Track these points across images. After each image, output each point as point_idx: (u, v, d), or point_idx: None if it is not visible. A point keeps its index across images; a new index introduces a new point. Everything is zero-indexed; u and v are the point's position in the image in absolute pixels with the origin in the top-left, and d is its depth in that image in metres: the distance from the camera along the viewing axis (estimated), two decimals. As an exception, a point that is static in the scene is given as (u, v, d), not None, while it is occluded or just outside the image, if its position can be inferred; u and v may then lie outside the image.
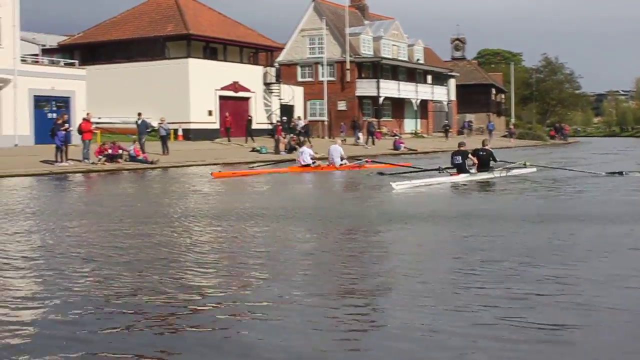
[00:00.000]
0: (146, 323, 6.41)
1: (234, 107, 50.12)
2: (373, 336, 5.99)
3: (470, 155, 22.25)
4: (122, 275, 8.47)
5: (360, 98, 62.39)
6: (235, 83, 51.13)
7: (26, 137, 37.26)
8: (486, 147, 23.08)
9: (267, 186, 22.21)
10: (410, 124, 69.65)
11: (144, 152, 33.02)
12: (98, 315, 6.71)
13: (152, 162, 31.82)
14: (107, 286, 7.93)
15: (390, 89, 64.18)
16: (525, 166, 24.20)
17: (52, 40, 54.69)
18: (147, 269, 8.88)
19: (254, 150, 40.91)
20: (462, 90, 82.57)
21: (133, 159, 32.08)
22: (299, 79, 62.44)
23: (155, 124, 39.30)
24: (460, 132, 74.01)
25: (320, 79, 59.96)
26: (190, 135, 46.04)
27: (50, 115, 37.74)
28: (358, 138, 50.49)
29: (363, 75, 63.04)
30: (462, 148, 22.40)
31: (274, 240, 11.13)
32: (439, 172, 22.56)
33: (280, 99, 55.37)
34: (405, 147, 48.65)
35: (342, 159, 29.03)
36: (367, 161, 29.83)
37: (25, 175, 26.54)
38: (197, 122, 47.11)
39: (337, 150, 29.29)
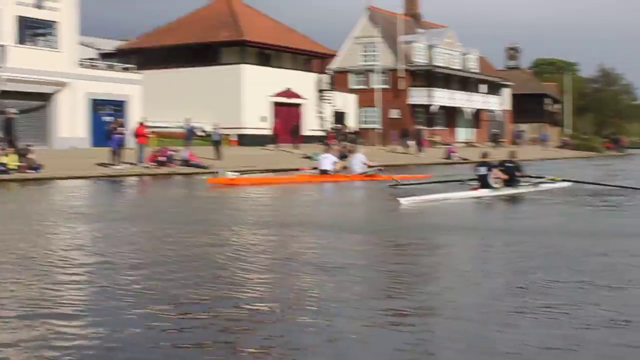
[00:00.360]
0: (195, 339, 6.37)
1: (286, 113, 50.37)
2: None
3: (495, 170, 20.36)
4: (170, 284, 8.51)
5: (413, 106, 62.18)
6: (288, 89, 51.36)
7: (83, 139, 37.89)
8: (514, 159, 21.30)
9: (294, 195, 22.17)
10: (463, 133, 69.21)
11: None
12: (147, 327, 6.71)
13: (205, 167, 32.07)
14: (155, 295, 7.96)
15: (443, 97, 63.88)
16: (554, 181, 21.96)
17: (110, 45, 55.52)
18: (195, 277, 8.90)
19: (306, 157, 40.97)
20: (517, 99, 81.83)
21: (186, 163, 32.36)
22: (352, 87, 62.42)
23: (209, 129, 39.69)
24: (514, 142, 73.30)
25: (373, 86, 59.97)
26: (244, 140, 46.32)
27: (106, 119, 38.32)
28: (408, 146, 50.25)
29: (416, 84, 62.81)
30: (486, 159, 21.02)
31: (314, 251, 11.10)
32: (461, 185, 21.08)
33: (332, 106, 55.48)
34: (457, 157, 48.35)
35: (365, 166, 27.30)
36: (379, 169, 27.77)
37: (81, 177, 26.95)
38: (250, 128, 47.41)
39: (358, 158, 27.80)
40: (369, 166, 27.46)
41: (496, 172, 20.16)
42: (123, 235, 12.31)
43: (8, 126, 28.41)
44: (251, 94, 48.12)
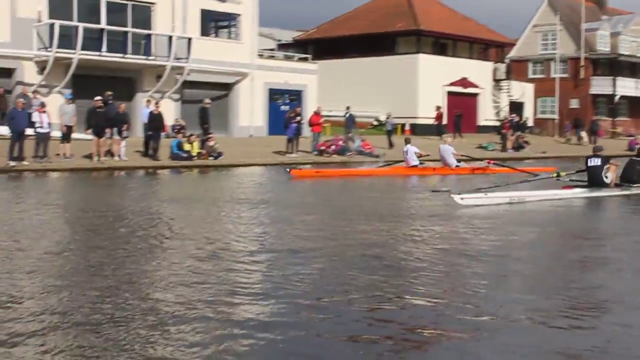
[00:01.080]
0: (363, 331, 6.46)
1: (461, 103, 49.87)
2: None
3: (611, 165, 17.71)
4: (334, 273, 8.72)
5: (594, 96, 59.88)
6: (463, 79, 50.84)
7: (260, 128, 39.14)
8: None
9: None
10: (648, 124, 65.99)
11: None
12: (307, 314, 6.89)
13: (377, 156, 32.22)
14: (319, 284, 8.19)
15: (627, 87, 61.06)
16: None
17: (288, 36, 56.88)
18: (356, 268, 9.05)
19: (480, 146, 40.45)
20: None
21: (360, 152, 32.62)
22: (530, 76, 60.93)
23: (383, 118, 39.90)
24: None
25: (552, 75, 58.23)
26: (417, 130, 46.25)
27: (283, 108, 39.36)
28: (580, 137, 48.45)
29: (598, 73, 60.43)
30: (598, 153, 18.19)
31: (489, 245, 11.02)
32: (557, 179, 18.31)
33: (509, 96, 54.41)
34: (641, 149, 46.14)
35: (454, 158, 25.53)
36: (488, 163, 25.44)
37: (258, 164, 27.84)
38: (425, 118, 47.24)
39: (447, 150, 25.82)
40: (458, 159, 25.73)
41: (612, 167, 17.84)
42: (293, 223, 12.69)
43: (204, 115, 29.91)
44: (426, 83, 48.01)
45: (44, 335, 5.92)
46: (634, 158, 18.68)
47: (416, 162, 25.40)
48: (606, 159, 17.97)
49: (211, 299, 7.13)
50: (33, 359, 5.41)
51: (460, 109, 48.01)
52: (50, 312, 6.57)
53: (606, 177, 17.57)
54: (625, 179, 18.09)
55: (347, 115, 35.69)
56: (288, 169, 23.24)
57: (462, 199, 14.70)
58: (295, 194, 18.72)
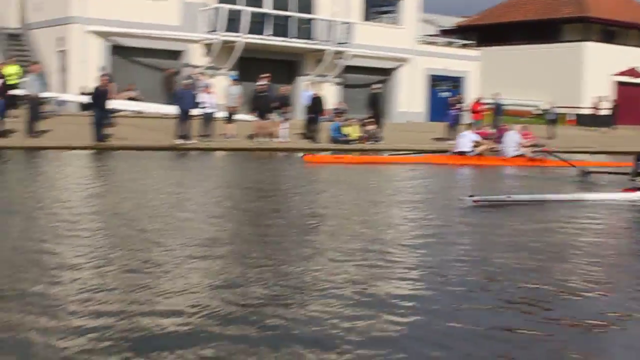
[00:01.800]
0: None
1: (631, 93, 47.91)
2: None
3: None
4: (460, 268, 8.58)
5: None
6: (632, 69, 48.76)
7: (419, 114, 38.96)
8: None
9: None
10: None
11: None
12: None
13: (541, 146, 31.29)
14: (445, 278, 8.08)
15: None
16: None
17: (450, 22, 56.22)
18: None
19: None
20: None
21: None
22: None
23: (545, 107, 38.98)
24: None
25: None
26: (582, 120, 44.78)
27: (442, 94, 39.00)
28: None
29: None
30: None
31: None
32: (631, 179, 14.72)
33: (682, 87, 51.77)
34: None
35: (520, 147, 23.06)
36: (545, 153, 22.82)
37: (415, 150, 27.54)
38: (589, 108, 45.64)
39: (512, 137, 23.51)
40: (524, 146, 23.18)
41: None
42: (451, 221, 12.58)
43: (374, 101, 30.06)
44: (592, 72, 46.36)
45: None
46: None
47: (466, 150, 23.05)
48: None
49: (360, 286, 7.17)
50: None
51: (629, 99, 46.19)
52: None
53: None
54: None
55: (495, 102, 34.96)
56: (302, 155, 21.41)
57: (474, 201, 12.47)
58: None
